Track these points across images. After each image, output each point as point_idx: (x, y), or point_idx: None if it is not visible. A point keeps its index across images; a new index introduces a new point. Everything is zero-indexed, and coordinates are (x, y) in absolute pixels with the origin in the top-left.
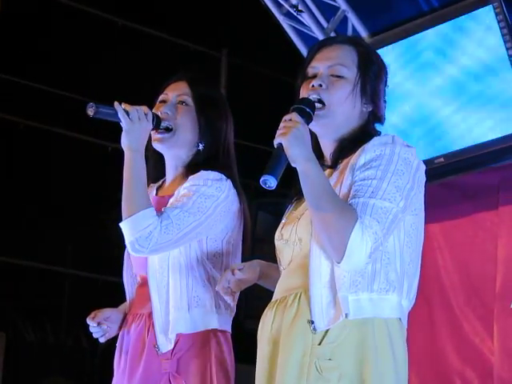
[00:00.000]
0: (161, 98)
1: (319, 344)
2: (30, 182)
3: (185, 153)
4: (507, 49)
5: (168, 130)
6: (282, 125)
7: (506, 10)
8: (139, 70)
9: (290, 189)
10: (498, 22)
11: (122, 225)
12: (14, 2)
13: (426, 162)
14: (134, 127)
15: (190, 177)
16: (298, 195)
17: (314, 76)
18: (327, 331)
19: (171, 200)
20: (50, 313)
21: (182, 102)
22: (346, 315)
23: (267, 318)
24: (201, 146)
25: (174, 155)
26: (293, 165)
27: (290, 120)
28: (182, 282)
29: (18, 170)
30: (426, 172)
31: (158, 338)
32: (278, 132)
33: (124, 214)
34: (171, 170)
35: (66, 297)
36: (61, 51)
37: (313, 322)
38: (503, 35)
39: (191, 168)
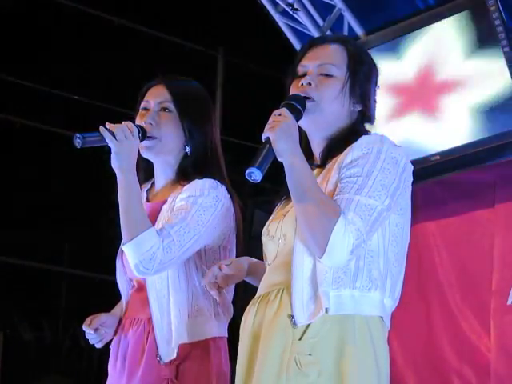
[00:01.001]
0: (142, 105)
1: (299, 339)
2: (26, 182)
3: (173, 158)
4: (502, 46)
5: (154, 138)
6: (270, 119)
7: (501, 8)
8: (135, 69)
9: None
10: (494, 19)
11: (124, 248)
12: (8, 2)
13: (421, 159)
14: (122, 148)
15: (186, 186)
16: (288, 194)
17: (304, 74)
18: (308, 327)
19: (165, 206)
20: (48, 312)
21: (164, 109)
22: (327, 310)
23: (250, 314)
24: (188, 149)
25: (163, 161)
26: (279, 159)
27: (280, 115)
28: (182, 291)
29: (14, 170)
30: (414, 172)
31: (160, 348)
32: (267, 126)
33: (125, 237)
34: (161, 174)
35: (64, 296)
36: (57, 51)
37: (293, 317)
38: (498, 33)
39: (182, 173)
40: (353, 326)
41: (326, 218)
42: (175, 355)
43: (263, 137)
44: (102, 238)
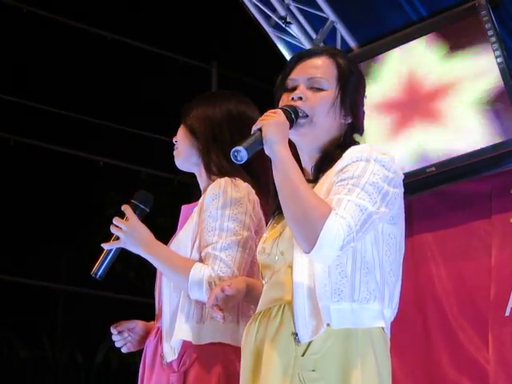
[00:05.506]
0: None
1: (302, 355)
2: (21, 198)
3: (196, 160)
4: (496, 57)
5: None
6: (265, 114)
7: (494, 19)
8: (129, 83)
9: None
10: (487, 30)
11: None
12: (2, 19)
13: (417, 171)
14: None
15: (209, 198)
16: (278, 209)
17: (294, 88)
18: (310, 342)
19: (196, 209)
20: (44, 329)
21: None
22: (328, 325)
23: (251, 330)
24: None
25: (196, 167)
26: (266, 151)
27: (275, 113)
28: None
29: (8, 186)
30: (410, 184)
31: (164, 347)
32: (260, 119)
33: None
34: (201, 181)
35: (60, 313)
36: (49, 67)
37: (297, 334)
38: (492, 43)
39: (207, 172)
40: (355, 341)
41: (317, 213)
42: (176, 355)
43: (254, 128)
44: (97, 254)
